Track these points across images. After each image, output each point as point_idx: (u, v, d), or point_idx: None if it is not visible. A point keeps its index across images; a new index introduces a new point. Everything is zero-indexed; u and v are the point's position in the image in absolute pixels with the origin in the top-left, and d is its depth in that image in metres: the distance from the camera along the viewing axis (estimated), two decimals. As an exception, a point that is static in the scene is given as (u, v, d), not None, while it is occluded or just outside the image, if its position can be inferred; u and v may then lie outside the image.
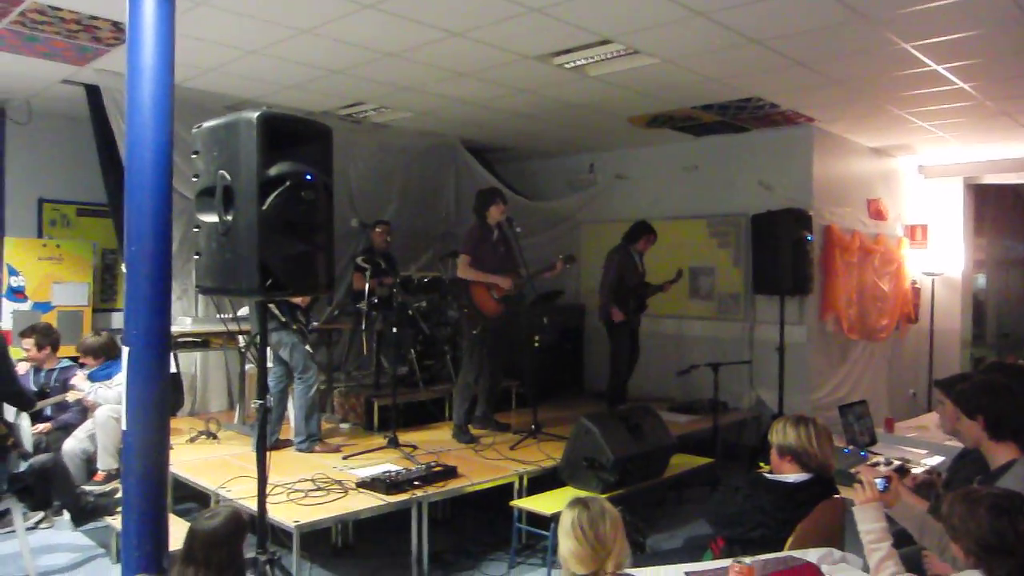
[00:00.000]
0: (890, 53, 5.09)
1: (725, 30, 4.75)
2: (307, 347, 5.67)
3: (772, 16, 4.52)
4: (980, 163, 8.95)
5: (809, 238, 7.11)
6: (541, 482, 5.16)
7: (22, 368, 5.71)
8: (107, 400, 5.57)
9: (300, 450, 5.56)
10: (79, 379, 5.74)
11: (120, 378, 5.59)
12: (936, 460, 4.65)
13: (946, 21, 4.52)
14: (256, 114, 3.02)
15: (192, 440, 5.81)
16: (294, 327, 5.60)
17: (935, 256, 9.07)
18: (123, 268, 3.29)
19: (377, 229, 6.94)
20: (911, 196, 9.20)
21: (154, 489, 3.26)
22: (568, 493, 4.75)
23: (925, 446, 4.89)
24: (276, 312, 5.50)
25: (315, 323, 6.21)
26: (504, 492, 5.01)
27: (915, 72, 5.49)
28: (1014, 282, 11.36)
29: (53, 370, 5.88)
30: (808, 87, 6.02)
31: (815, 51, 5.15)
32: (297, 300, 5.69)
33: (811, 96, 6.33)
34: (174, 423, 5.69)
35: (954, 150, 8.41)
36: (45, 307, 6.98)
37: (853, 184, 8.14)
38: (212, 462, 5.27)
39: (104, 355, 5.83)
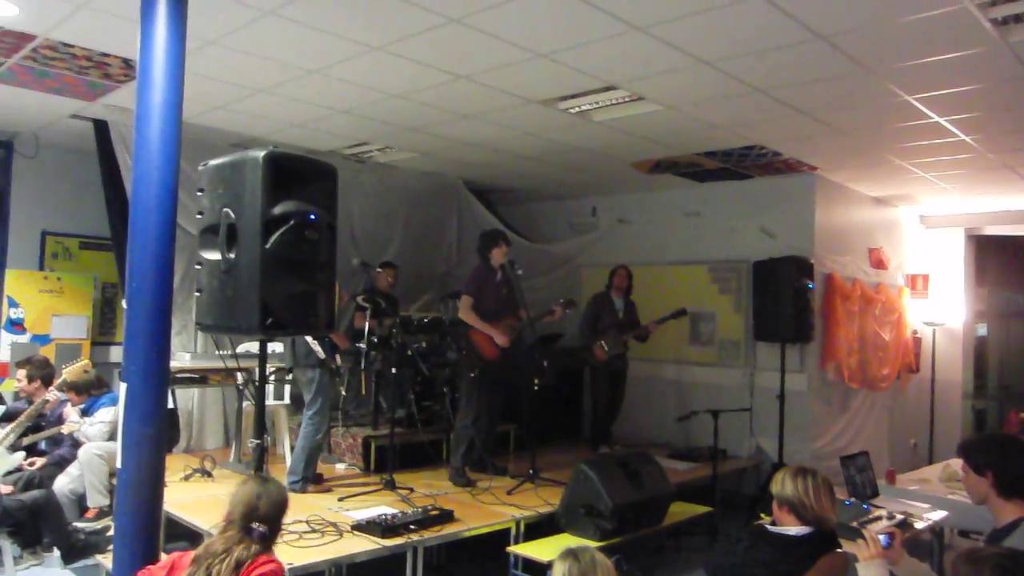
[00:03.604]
0: (892, 104, 5.14)
1: (729, 79, 4.79)
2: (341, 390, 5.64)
3: (776, 66, 4.56)
4: (981, 214, 9.00)
5: (810, 286, 7.11)
6: (538, 528, 5.09)
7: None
8: (89, 437, 5.52)
9: (293, 491, 5.48)
10: (71, 411, 5.69)
11: (102, 415, 5.61)
12: (940, 515, 4.59)
13: (948, 75, 4.56)
14: (262, 153, 3.03)
15: (187, 478, 5.73)
16: (333, 367, 5.59)
17: (936, 306, 9.07)
18: (123, 304, 3.27)
19: (385, 273, 6.95)
20: (912, 246, 9.23)
21: (147, 527, 3.18)
22: (566, 540, 4.68)
23: (928, 500, 4.83)
24: (317, 349, 5.48)
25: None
26: (501, 537, 4.94)
27: (917, 124, 5.54)
28: (1016, 334, 11.27)
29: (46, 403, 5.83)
30: (811, 136, 6.07)
31: (818, 101, 5.20)
32: (337, 340, 5.69)
33: (814, 145, 6.37)
34: (169, 460, 5.59)
35: (955, 201, 8.46)
36: (44, 339, 6.95)
37: (855, 233, 8.17)
38: (206, 501, 5.19)
39: (87, 392, 5.80)
